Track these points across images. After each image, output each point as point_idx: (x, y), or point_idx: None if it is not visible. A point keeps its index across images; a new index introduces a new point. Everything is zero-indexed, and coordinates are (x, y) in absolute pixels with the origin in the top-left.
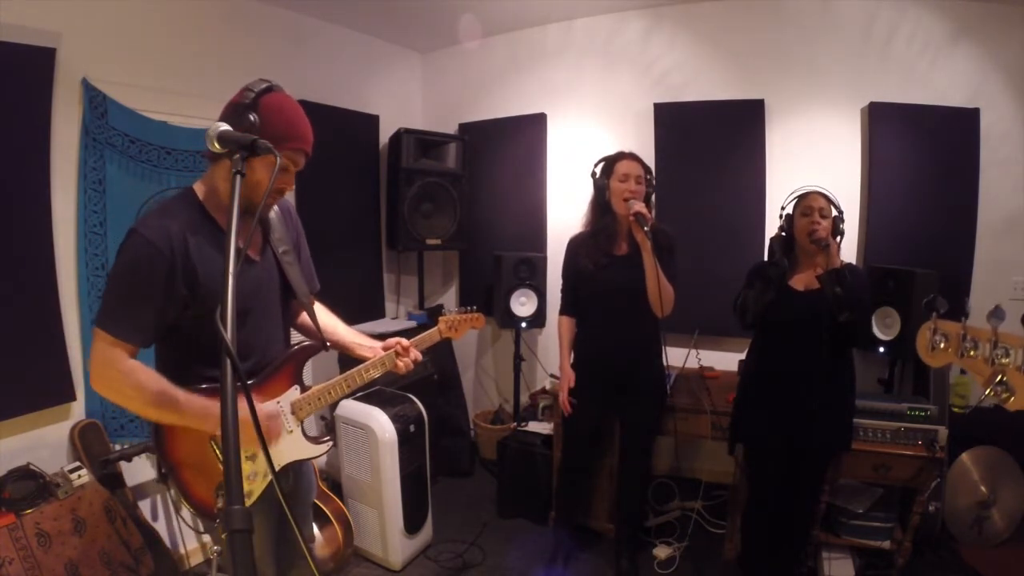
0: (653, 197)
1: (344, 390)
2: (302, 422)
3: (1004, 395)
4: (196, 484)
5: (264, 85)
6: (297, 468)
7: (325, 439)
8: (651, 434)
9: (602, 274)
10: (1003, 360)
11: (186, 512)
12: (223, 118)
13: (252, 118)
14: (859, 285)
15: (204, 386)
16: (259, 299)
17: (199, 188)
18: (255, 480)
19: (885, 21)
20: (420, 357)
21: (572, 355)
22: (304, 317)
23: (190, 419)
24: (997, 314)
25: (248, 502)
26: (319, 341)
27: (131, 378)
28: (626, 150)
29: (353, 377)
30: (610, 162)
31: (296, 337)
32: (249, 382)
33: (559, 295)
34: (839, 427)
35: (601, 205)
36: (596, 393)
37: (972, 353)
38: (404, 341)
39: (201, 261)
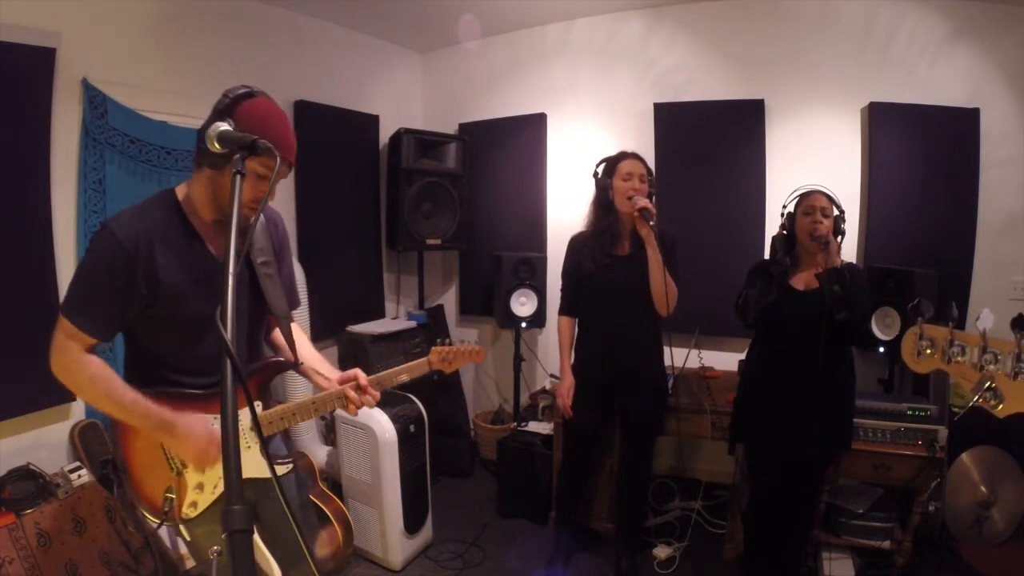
0: (655, 198)
1: (311, 414)
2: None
3: (993, 402)
4: (147, 482)
5: (243, 90)
6: (267, 482)
7: (286, 460)
8: (652, 434)
9: (604, 274)
10: (992, 366)
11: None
12: (205, 123)
13: (227, 124)
14: (858, 285)
15: (171, 390)
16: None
17: (180, 191)
18: (202, 492)
19: (885, 21)
20: (378, 397)
21: (572, 356)
22: (277, 335)
23: (136, 421)
24: (985, 319)
25: (193, 513)
26: (289, 359)
27: (87, 370)
28: (628, 150)
29: (323, 402)
30: (613, 162)
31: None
32: (199, 391)
33: (559, 295)
34: (839, 427)
35: (604, 205)
36: (597, 394)
37: (959, 359)
38: (363, 377)
39: (166, 263)
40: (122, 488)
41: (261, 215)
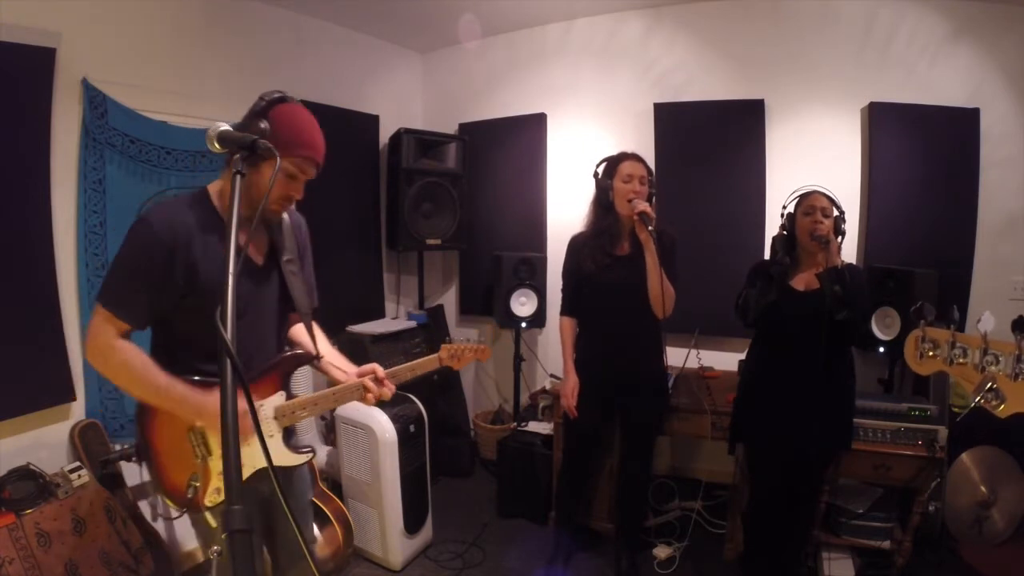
0: (655, 199)
1: (331, 405)
2: (284, 429)
3: (994, 402)
4: (170, 469)
5: (278, 95)
6: (286, 472)
7: (306, 449)
8: (652, 434)
9: (604, 275)
10: (993, 367)
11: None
12: (238, 124)
13: (263, 125)
14: (858, 284)
15: (196, 378)
16: (256, 303)
17: (213, 188)
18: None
19: (885, 21)
20: (394, 389)
21: (573, 356)
22: (295, 331)
23: (169, 403)
24: (986, 321)
25: (217, 499)
26: (310, 352)
27: (120, 354)
28: (628, 150)
29: (343, 394)
30: (613, 162)
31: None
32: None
33: (559, 295)
34: (839, 427)
35: (604, 205)
36: (597, 394)
37: (961, 360)
38: (380, 371)
39: (203, 257)
40: (125, 482)
41: (287, 217)
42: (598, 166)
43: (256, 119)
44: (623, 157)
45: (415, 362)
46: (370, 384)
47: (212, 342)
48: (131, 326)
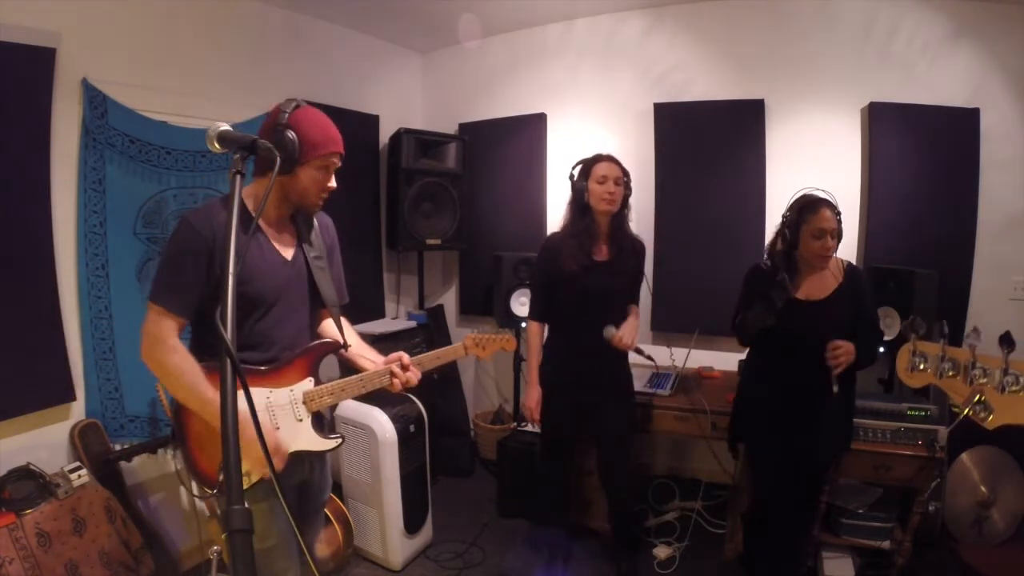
0: (631, 199)
1: (358, 390)
2: (313, 414)
3: (983, 414)
4: (203, 455)
5: (293, 104)
6: (314, 458)
7: (335, 435)
8: (626, 433)
9: (581, 278)
10: (981, 380)
11: (186, 509)
12: (263, 136)
13: (291, 135)
14: (865, 296)
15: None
16: (285, 296)
17: (246, 192)
18: (254, 464)
19: (885, 20)
20: (420, 376)
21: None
22: (324, 326)
23: (208, 417)
24: (975, 335)
25: (246, 484)
26: (338, 341)
27: (174, 357)
28: (604, 152)
29: (370, 379)
30: (588, 164)
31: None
32: (262, 368)
33: None
34: (840, 428)
35: (580, 207)
36: (566, 398)
37: (951, 374)
38: (406, 358)
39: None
40: (125, 482)
41: (316, 219)
42: (573, 168)
43: (283, 131)
44: (598, 159)
45: (440, 350)
46: (396, 370)
47: (243, 326)
48: (184, 318)
